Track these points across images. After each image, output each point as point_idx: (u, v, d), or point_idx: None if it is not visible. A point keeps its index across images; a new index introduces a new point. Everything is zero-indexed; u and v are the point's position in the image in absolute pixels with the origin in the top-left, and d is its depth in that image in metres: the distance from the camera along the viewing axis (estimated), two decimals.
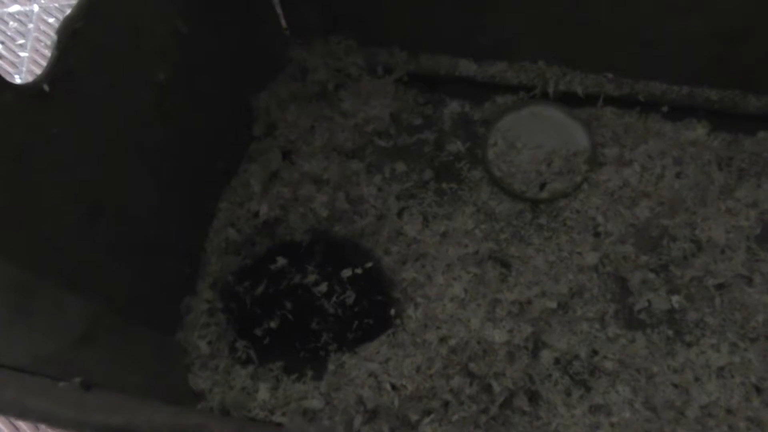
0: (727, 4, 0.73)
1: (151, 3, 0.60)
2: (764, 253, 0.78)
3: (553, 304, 0.76)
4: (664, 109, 0.87)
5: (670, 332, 0.75)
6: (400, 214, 0.84)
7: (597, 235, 0.81)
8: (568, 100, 0.89)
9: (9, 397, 0.44)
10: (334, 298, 0.70)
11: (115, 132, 0.57)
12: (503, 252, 0.81)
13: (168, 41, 0.64)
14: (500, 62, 0.90)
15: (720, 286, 0.76)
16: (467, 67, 0.92)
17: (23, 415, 0.45)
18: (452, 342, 0.69)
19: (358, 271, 0.73)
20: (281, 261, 0.71)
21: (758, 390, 0.70)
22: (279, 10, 0.90)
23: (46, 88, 0.49)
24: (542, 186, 0.84)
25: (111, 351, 0.53)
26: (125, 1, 0.57)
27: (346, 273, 0.71)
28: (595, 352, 0.74)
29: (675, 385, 0.71)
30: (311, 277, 0.71)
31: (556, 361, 0.74)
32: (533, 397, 0.71)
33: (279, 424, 0.66)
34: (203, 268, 0.75)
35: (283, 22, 0.93)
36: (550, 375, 0.73)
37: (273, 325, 0.69)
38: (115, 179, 0.56)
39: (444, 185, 0.87)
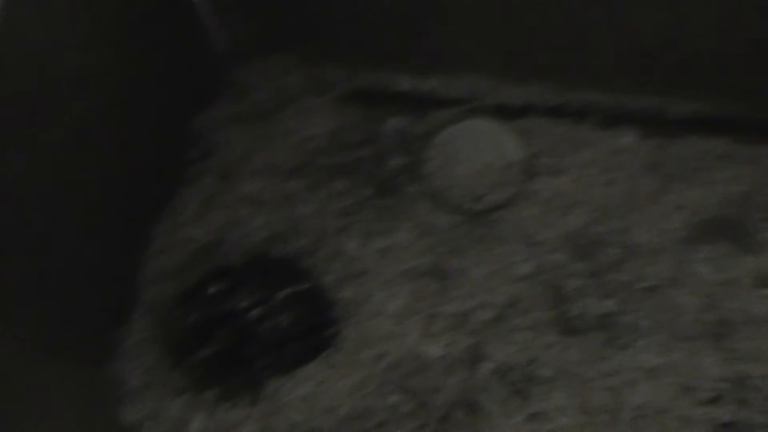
0: (649, 18, 0.75)
1: (52, 38, 0.60)
2: (691, 254, 0.81)
3: (491, 315, 0.77)
4: (594, 118, 0.88)
5: (604, 336, 0.76)
6: (340, 231, 0.84)
7: (532, 244, 0.83)
8: (502, 113, 0.90)
9: None
10: (268, 323, 0.70)
11: (30, 165, 0.57)
12: (442, 265, 0.82)
13: (82, 73, 0.64)
14: (436, 77, 0.92)
15: (650, 289, 0.78)
16: (405, 83, 0.93)
17: None
18: (388, 359, 0.70)
19: (296, 291, 0.74)
20: (215, 287, 0.72)
21: (687, 389, 0.72)
22: (214, 33, 0.91)
23: None
24: (479, 198, 0.85)
25: (34, 388, 0.53)
26: (23, 38, 0.56)
27: (282, 295, 0.72)
28: (532, 360, 0.75)
29: (609, 389, 0.73)
30: (246, 302, 0.71)
31: (495, 371, 0.75)
32: (472, 409, 0.72)
33: None
34: (137, 297, 0.75)
35: (220, 44, 0.93)
36: (488, 386, 0.74)
37: (207, 352, 0.69)
38: (31, 212, 0.56)
39: (384, 201, 0.88)
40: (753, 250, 0.81)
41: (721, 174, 0.86)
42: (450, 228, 0.85)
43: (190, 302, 0.72)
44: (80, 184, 0.63)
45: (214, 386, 0.69)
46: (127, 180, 0.72)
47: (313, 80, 0.91)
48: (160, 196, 0.80)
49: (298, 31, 0.88)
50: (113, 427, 0.64)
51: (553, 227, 0.83)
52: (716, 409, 0.69)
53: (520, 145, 0.87)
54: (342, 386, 0.68)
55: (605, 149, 0.87)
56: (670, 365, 0.74)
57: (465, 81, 0.90)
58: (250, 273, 0.75)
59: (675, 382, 0.72)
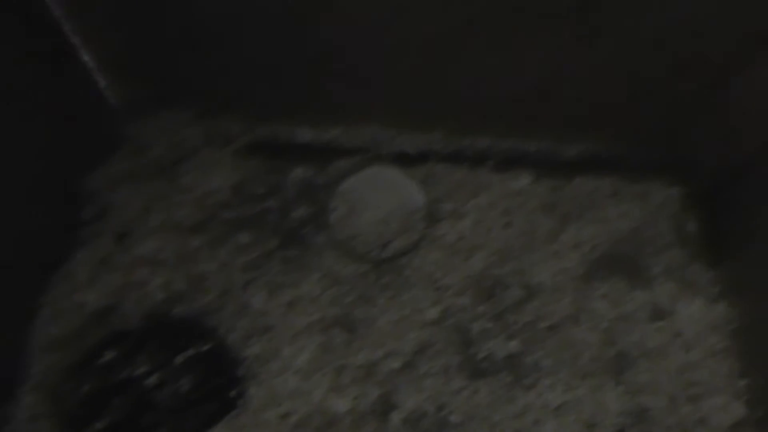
0: (536, 66, 0.79)
1: None
2: (589, 291, 0.84)
3: (400, 363, 0.77)
4: (490, 162, 0.91)
5: (511, 377, 0.78)
6: (245, 286, 0.83)
7: (438, 289, 0.84)
8: (403, 160, 0.92)
9: None
10: (168, 388, 0.68)
11: None
12: (350, 315, 0.82)
13: None
14: (336, 128, 0.92)
15: (551, 328, 0.80)
16: (305, 134, 0.93)
17: None
18: (295, 418, 0.69)
19: (198, 352, 0.71)
20: (109, 354, 0.69)
21: (591, 425, 0.74)
22: (107, 89, 0.88)
23: None
24: (384, 246, 0.86)
25: None
26: None
27: (182, 358, 0.69)
28: (442, 407, 0.76)
29: (517, 431, 0.74)
30: (143, 368, 0.68)
31: (405, 420, 0.75)
32: None
33: None
34: (25, 371, 0.70)
35: (114, 101, 0.91)
36: None
37: (103, 424, 0.65)
38: None
39: (290, 253, 0.87)
40: (645, 284, 0.85)
41: (612, 211, 0.91)
42: (357, 277, 0.84)
43: (83, 372, 0.69)
44: None
45: None
46: (10, 245, 0.68)
47: (211, 134, 0.90)
48: (49, 260, 0.77)
49: (194, 86, 0.87)
50: None
51: (457, 271, 0.84)
52: None
53: (421, 192, 0.89)
54: None
55: (503, 192, 0.90)
56: (573, 402, 0.75)
57: (365, 131, 0.91)
58: (149, 337, 0.72)
59: (579, 419, 0.74)
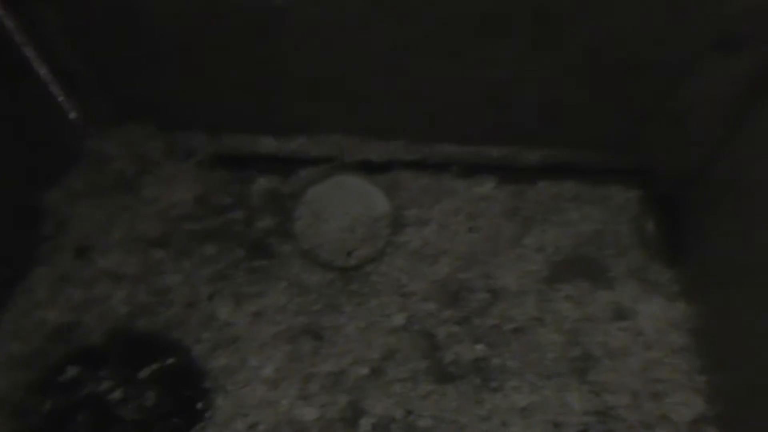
0: (497, 75, 0.80)
1: None
2: (553, 293, 0.85)
3: (368, 370, 0.78)
4: (454, 168, 0.92)
5: (478, 380, 0.78)
6: (211, 297, 0.82)
7: (404, 295, 0.84)
8: (367, 168, 0.92)
9: None
10: (133, 403, 0.67)
11: None
12: (317, 324, 0.82)
13: None
14: (299, 137, 0.93)
15: (517, 330, 0.81)
16: (268, 144, 0.93)
17: None
18: (262, 428, 0.69)
19: (163, 366, 0.71)
20: (72, 370, 0.68)
21: (557, 425, 0.75)
22: (66, 104, 0.88)
23: None
24: (350, 253, 0.86)
25: None
26: None
27: (146, 373, 0.69)
28: (410, 412, 0.76)
29: None
30: (107, 383, 0.67)
31: (375, 426, 0.75)
32: None
33: None
34: None
35: (73, 114, 0.90)
36: None
37: None
38: None
39: (256, 263, 0.87)
40: (608, 285, 0.86)
41: (574, 215, 0.92)
42: (324, 285, 0.85)
43: (46, 389, 0.68)
44: None
45: None
46: None
47: (174, 146, 0.90)
48: (8, 277, 0.75)
49: (155, 99, 0.86)
50: None
51: (423, 277, 0.85)
52: None
53: (386, 199, 0.90)
54: None
55: (467, 198, 0.91)
56: (539, 403, 0.76)
57: (329, 139, 0.92)
58: (112, 351, 0.71)
59: (545, 419, 0.75)
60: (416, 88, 0.82)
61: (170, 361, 0.71)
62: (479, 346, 0.81)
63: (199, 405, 0.70)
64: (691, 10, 0.66)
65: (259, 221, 0.91)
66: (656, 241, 0.89)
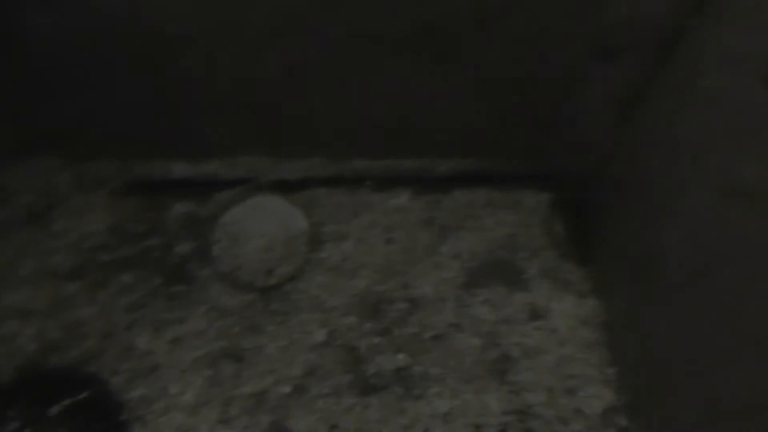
0: (404, 92, 0.82)
1: None
2: (470, 298, 0.87)
3: (290, 388, 0.78)
4: (369, 183, 0.94)
5: (401, 390, 0.80)
6: (129, 327, 0.81)
7: (325, 311, 0.85)
8: (283, 187, 0.93)
9: None
10: None
11: None
12: (238, 346, 0.81)
13: None
14: (213, 161, 0.93)
15: (436, 338, 0.83)
16: (182, 170, 0.93)
17: None
18: None
19: (75, 401, 0.69)
20: None
21: (478, 427, 0.77)
22: None
23: None
24: (269, 273, 0.86)
25: None
26: None
27: (57, 410, 0.67)
28: (334, 426, 0.76)
29: None
30: (13, 425, 0.65)
31: None
32: None
33: None
34: None
35: None
36: None
37: None
38: None
39: (175, 289, 0.86)
40: (523, 286, 0.89)
41: (488, 221, 0.95)
42: (244, 307, 0.85)
43: None
44: None
45: None
46: None
47: (82, 177, 0.88)
48: None
49: (61, 131, 0.85)
50: None
51: (343, 291, 0.86)
52: None
53: (303, 217, 0.90)
54: None
55: (383, 210, 0.93)
56: (460, 407, 0.78)
57: (243, 161, 0.92)
58: (21, 390, 0.69)
59: (466, 422, 0.77)
60: (325, 106, 0.84)
61: (83, 395, 0.69)
62: (401, 356, 0.82)
63: None
64: (572, 24, 0.70)
65: (177, 247, 0.90)
66: (566, 241, 0.93)
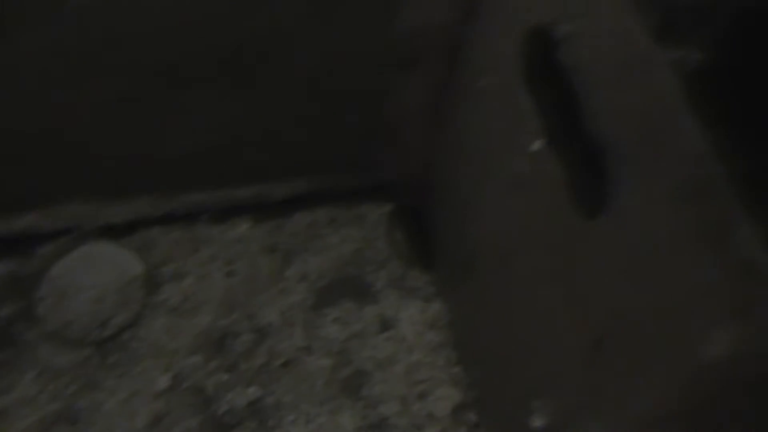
0: (206, 122, 0.81)
1: None
2: (320, 319, 0.87)
3: None
4: (205, 216, 0.91)
5: (255, 424, 0.78)
6: None
7: (167, 354, 0.81)
8: (112, 232, 0.89)
9: None
10: None
11: None
12: (72, 407, 0.76)
13: None
14: (29, 213, 0.87)
15: (285, 364, 0.82)
16: None
17: None
18: None
19: None
20: None
21: None
22: None
23: None
24: (103, 325, 0.82)
25: None
26: None
27: None
28: None
29: None
30: None
31: None
32: None
33: None
34: None
35: None
36: None
37: None
38: None
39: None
40: (372, 299, 0.89)
41: (332, 239, 0.95)
42: (78, 364, 0.80)
43: None
44: None
45: None
46: None
47: None
48: None
49: None
50: None
51: (185, 331, 0.83)
52: None
53: (137, 260, 0.87)
54: None
55: (222, 243, 0.90)
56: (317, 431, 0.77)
57: (64, 210, 0.87)
58: None
59: None
60: (138, 143, 0.81)
61: None
62: (251, 389, 0.80)
63: None
64: (368, 36, 0.71)
65: (0, 310, 0.83)
66: (409, 249, 0.94)
